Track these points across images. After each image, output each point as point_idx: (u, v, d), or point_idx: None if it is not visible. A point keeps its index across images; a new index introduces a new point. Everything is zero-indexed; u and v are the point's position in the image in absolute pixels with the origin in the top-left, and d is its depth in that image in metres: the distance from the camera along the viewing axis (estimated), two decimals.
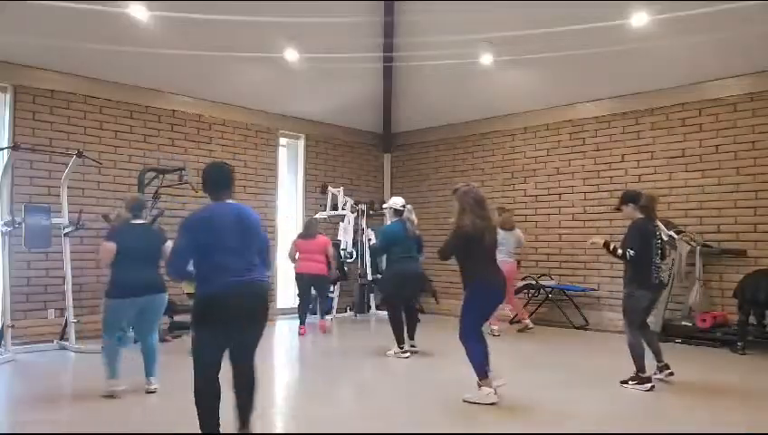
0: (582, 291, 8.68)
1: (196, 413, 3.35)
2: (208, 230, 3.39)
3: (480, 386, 4.60)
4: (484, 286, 4.75)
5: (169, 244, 4.78)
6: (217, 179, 3.57)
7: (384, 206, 7.09)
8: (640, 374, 5.09)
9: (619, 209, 5.48)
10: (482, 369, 4.62)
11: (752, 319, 7.20)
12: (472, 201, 4.74)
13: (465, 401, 4.61)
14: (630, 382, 5.12)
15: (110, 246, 4.84)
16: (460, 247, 4.74)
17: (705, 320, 7.21)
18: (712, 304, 7.58)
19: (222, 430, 3.38)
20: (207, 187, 3.57)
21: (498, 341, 7.17)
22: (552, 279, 9.03)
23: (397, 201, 6.85)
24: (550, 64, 8.59)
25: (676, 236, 7.45)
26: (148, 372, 4.95)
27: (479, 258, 4.73)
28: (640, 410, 4.63)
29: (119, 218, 5.09)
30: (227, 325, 3.34)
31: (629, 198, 5.38)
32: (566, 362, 6.41)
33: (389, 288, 6.71)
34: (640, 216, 5.25)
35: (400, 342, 6.51)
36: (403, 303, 6.71)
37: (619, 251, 5.16)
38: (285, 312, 9.66)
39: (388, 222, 6.85)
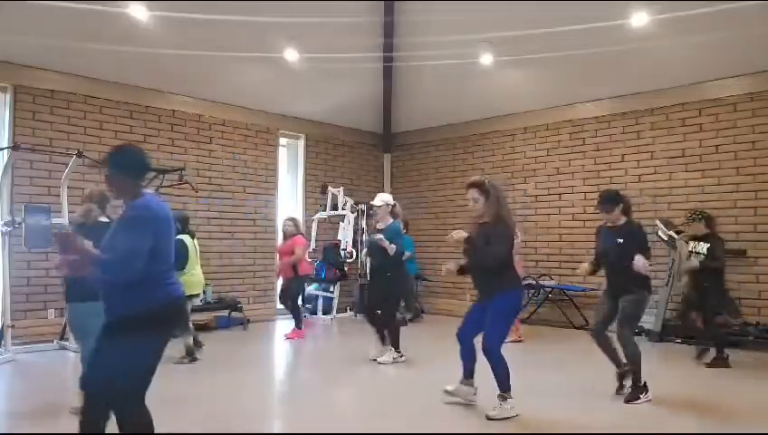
0: (582, 291, 8.68)
1: None
2: (166, 229, 2.91)
3: (506, 398, 4.29)
4: (519, 292, 4.45)
5: None
6: (144, 165, 3.00)
7: (377, 204, 6.45)
8: (639, 384, 4.72)
9: (603, 211, 4.93)
10: (508, 381, 4.31)
11: (755, 319, 7.24)
12: (503, 195, 4.38)
13: (490, 420, 4.25)
14: (642, 396, 4.69)
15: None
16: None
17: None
18: None
19: None
20: (137, 173, 2.95)
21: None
22: (551, 279, 9.03)
23: (390, 198, 6.50)
24: (550, 64, 8.59)
25: (676, 236, 7.45)
26: None
27: (511, 260, 4.37)
28: (640, 410, 4.63)
29: (90, 215, 4.40)
30: (165, 342, 2.90)
31: (621, 198, 4.94)
32: (567, 361, 6.42)
33: (406, 291, 6.31)
34: (624, 217, 4.90)
35: (398, 345, 6.33)
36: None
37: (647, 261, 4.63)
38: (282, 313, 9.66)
39: (387, 222, 6.36)
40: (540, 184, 9.53)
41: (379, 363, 6.19)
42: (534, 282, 8.95)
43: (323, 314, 9.59)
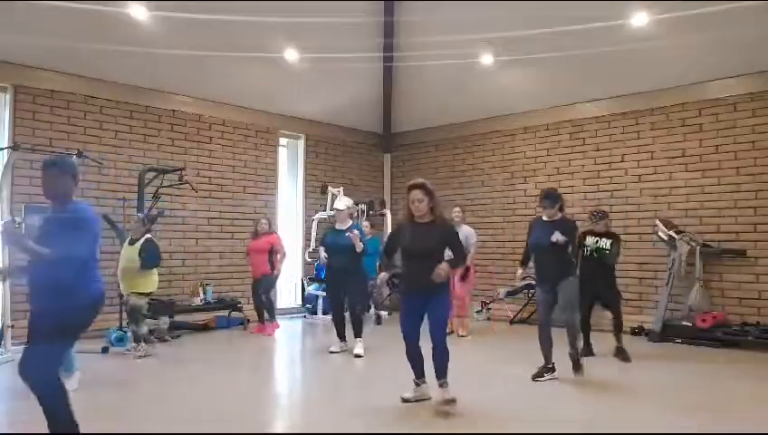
0: None
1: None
2: (99, 229, 3.39)
3: (447, 384, 4.44)
4: None
5: None
6: (78, 176, 3.43)
7: (340, 208, 6.75)
8: (550, 365, 5.40)
9: (546, 206, 5.37)
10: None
11: (755, 319, 7.24)
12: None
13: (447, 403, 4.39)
14: (547, 375, 5.34)
15: None
16: None
17: (705, 320, 7.20)
18: (712, 304, 7.57)
19: None
20: (76, 183, 3.40)
21: (494, 340, 7.19)
22: None
23: (351, 202, 6.85)
24: (550, 64, 8.59)
25: (676, 236, 7.46)
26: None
27: None
28: (636, 408, 4.64)
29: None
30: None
31: (560, 196, 5.48)
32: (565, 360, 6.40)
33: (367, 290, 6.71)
34: (559, 213, 5.41)
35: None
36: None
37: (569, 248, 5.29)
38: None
39: (347, 224, 6.68)
40: (540, 184, 9.50)
41: (357, 356, 6.40)
42: (534, 282, 8.93)
43: (323, 314, 9.58)
